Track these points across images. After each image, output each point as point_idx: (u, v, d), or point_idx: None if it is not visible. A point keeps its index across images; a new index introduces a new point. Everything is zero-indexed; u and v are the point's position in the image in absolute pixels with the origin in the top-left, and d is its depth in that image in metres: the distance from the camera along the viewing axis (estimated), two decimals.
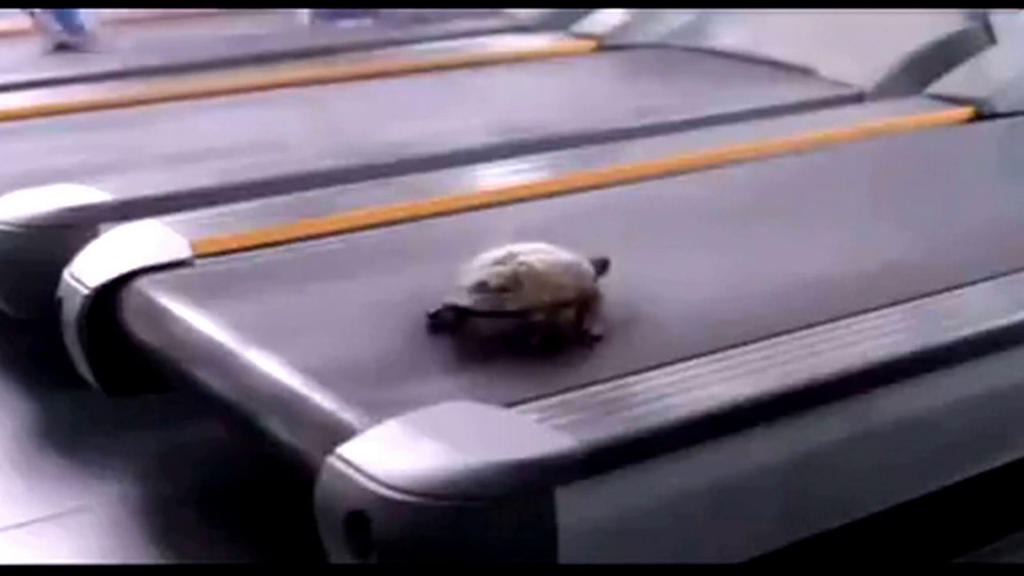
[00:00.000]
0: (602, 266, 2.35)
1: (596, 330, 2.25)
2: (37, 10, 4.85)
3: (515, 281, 2.21)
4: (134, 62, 4.46)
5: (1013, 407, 2.32)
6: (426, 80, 4.31)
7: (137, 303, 2.54)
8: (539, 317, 2.22)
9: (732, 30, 4.51)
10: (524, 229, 2.50)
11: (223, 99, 4.02)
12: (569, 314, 2.25)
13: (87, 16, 4.85)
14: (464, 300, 2.23)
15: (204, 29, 5.11)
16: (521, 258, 2.23)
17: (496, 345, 2.22)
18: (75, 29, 4.80)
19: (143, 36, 4.92)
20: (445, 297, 2.26)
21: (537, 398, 2.02)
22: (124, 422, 2.87)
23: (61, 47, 4.74)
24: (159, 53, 4.58)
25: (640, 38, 4.72)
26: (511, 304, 2.20)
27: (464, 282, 2.24)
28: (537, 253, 2.26)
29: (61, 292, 2.66)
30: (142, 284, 2.56)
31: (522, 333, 2.21)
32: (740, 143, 3.46)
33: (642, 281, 2.45)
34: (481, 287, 2.21)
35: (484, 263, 2.25)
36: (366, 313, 2.37)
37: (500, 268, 2.22)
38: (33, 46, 4.72)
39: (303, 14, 5.24)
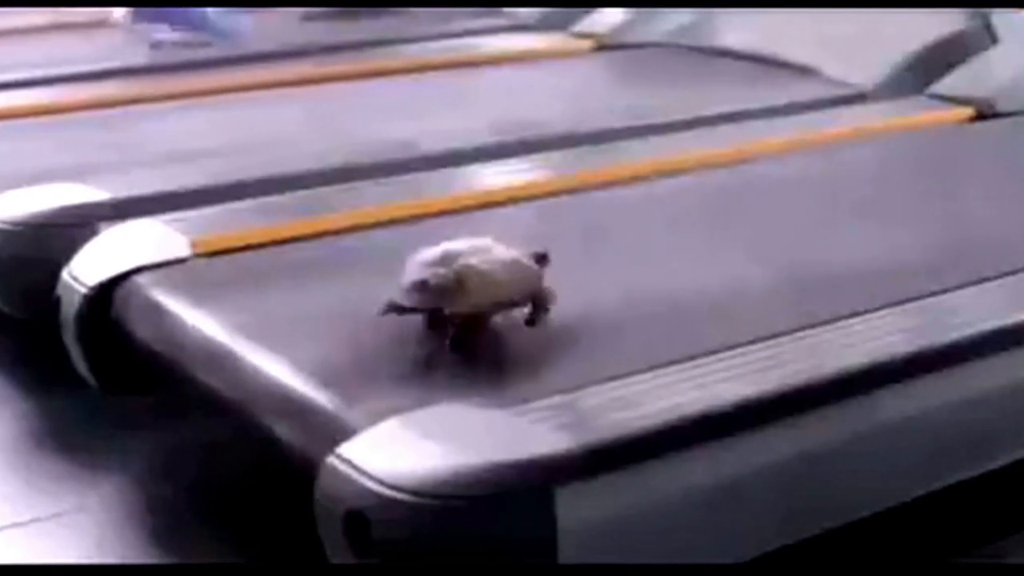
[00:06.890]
0: (541, 259, 2.32)
1: (538, 322, 2.26)
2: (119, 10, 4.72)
3: (455, 282, 2.18)
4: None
5: (1013, 407, 2.31)
6: (426, 79, 4.31)
7: (136, 302, 2.54)
8: (479, 316, 2.21)
9: (732, 30, 4.50)
10: (523, 229, 2.50)
11: (223, 98, 4.02)
12: (512, 311, 2.25)
13: (239, 19, 4.71)
14: (405, 300, 2.20)
15: None
16: (461, 260, 2.20)
17: (495, 347, 2.22)
18: (219, 33, 4.64)
19: None
20: (389, 294, 2.24)
21: (536, 399, 2.02)
22: (124, 422, 2.87)
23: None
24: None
25: (640, 38, 4.72)
26: (449, 305, 2.19)
27: (403, 280, 2.21)
28: (476, 253, 2.23)
29: (60, 291, 2.66)
30: (141, 283, 2.56)
31: (463, 332, 2.21)
32: (741, 143, 3.45)
33: (642, 280, 2.45)
34: (421, 286, 2.19)
35: (421, 261, 2.22)
36: (366, 313, 2.37)
37: (439, 268, 2.19)
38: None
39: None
